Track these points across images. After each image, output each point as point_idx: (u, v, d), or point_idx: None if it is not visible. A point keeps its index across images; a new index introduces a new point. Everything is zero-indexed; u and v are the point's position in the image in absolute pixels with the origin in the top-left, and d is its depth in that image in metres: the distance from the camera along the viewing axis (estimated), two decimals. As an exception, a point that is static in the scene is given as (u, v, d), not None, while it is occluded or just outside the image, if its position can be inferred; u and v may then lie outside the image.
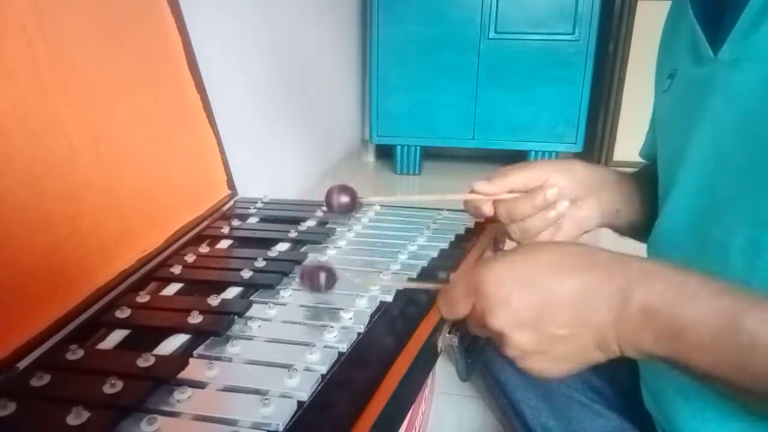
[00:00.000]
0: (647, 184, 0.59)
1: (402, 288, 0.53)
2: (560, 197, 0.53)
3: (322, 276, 0.48)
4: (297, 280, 0.52)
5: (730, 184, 0.42)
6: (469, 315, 0.40)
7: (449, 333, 0.50)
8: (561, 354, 0.38)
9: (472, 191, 0.54)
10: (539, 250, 0.39)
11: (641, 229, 0.58)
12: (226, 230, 0.68)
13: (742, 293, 0.33)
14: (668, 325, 0.34)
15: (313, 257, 0.60)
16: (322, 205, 0.76)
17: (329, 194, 0.55)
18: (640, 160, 0.67)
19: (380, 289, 0.52)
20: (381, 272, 0.55)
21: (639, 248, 0.56)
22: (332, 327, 0.45)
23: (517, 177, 0.53)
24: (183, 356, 0.44)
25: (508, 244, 0.58)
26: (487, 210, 0.54)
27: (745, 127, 0.40)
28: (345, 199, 0.54)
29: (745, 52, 0.40)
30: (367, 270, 0.56)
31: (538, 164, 0.54)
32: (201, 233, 0.69)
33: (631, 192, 0.58)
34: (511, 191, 0.53)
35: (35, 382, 0.40)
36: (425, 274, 0.56)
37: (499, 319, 0.37)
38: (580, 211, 0.55)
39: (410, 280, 0.55)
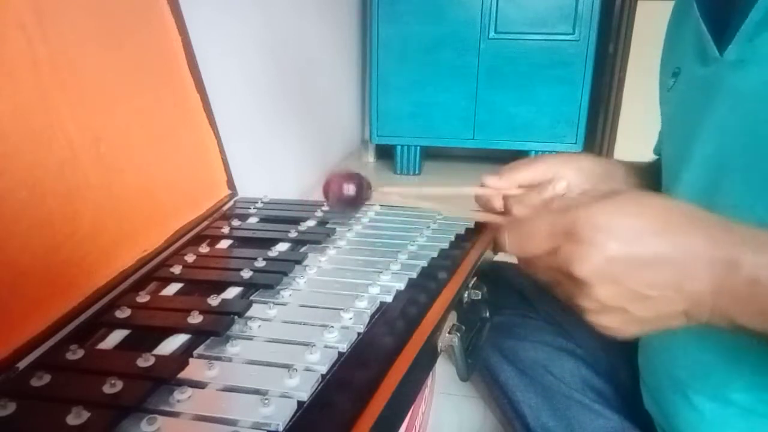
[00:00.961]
0: (655, 177, 0.59)
1: (389, 300, 0.50)
2: (569, 190, 0.53)
3: (351, 188, 0.43)
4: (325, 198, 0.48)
5: (734, 184, 0.42)
6: (544, 255, 0.37)
7: (449, 333, 0.50)
8: (641, 315, 0.35)
9: (482, 185, 0.54)
10: (645, 202, 0.36)
11: None
12: (226, 230, 0.68)
13: None
14: None
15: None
16: (323, 205, 0.76)
17: (329, 186, 0.49)
18: (640, 160, 0.67)
19: (380, 289, 0.52)
20: (371, 283, 0.53)
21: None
22: (332, 327, 0.45)
23: (527, 172, 0.53)
24: (183, 356, 0.43)
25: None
26: (498, 204, 0.54)
27: (750, 128, 0.40)
28: (350, 191, 0.48)
29: (751, 54, 0.40)
30: (367, 270, 0.56)
31: (546, 158, 0.55)
32: (201, 233, 0.69)
33: (638, 185, 0.58)
34: (520, 186, 0.54)
35: (35, 382, 0.40)
36: (425, 275, 0.56)
37: (589, 266, 0.34)
38: None
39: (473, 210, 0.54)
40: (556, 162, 0.54)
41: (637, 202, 0.36)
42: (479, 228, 0.67)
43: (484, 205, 0.56)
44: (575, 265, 0.35)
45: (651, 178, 0.60)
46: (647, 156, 0.66)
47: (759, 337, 0.34)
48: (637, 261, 0.34)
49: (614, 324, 0.37)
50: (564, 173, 0.53)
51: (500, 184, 0.53)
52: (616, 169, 0.58)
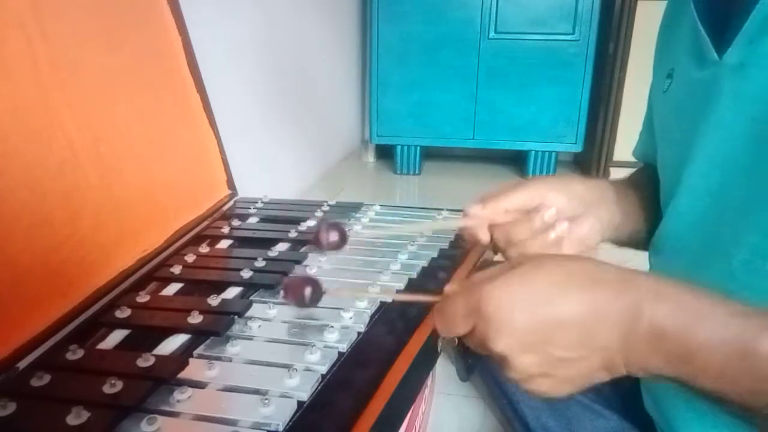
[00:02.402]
0: (645, 190, 0.59)
1: (390, 301, 0.50)
2: (559, 217, 0.50)
3: (308, 290, 0.44)
4: (281, 294, 0.48)
5: (738, 188, 0.42)
6: (469, 335, 0.38)
7: (449, 333, 0.50)
8: (566, 376, 0.36)
9: (465, 215, 0.51)
10: (543, 266, 0.37)
11: (641, 239, 0.57)
12: (226, 230, 0.68)
13: (755, 316, 0.32)
14: (678, 347, 0.33)
15: (300, 269, 0.58)
16: (322, 205, 0.76)
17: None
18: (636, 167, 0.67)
19: (380, 289, 0.52)
20: (371, 283, 0.53)
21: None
22: (332, 327, 0.45)
23: (513, 198, 0.50)
24: (183, 356, 0.44)
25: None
26: (483, 236, 0.51)
27: (754, 131, 0.40)
28: (334, 237, 0.48)
29: (752, 57, 0.40)
30: (367, 270, 0.56)
31: (533, 183, 0.51)
32: (201, 233, 0.69)
33: (630, 203, 0.57)
34: (506, 211, 0.50)
35: (35, 382, 0.40)
36: (425, 275, 0.56)
37: (501, 342, 0.35)
38: (580, 229, 0.51)
39: (399, 292, 0.53)
40: (544, 187, 0.50)
41: (536, 267, 0.37)
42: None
43: (469, 237, 0.53)
44: (489, 343, 0.36)
45: (642, 189, 0.59)
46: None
47: (675, 382, 0.34)
48: (545, 326, 0.35)
49: (544, 388, 0.37)
50: (553, 198, 0.50)
51: (485, 213, 0.50)
52: (607, 190, 0.55)
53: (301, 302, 0.44)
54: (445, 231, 0.67)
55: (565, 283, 0.35)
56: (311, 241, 0.52)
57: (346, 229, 0.49)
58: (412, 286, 0.54)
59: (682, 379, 0.34)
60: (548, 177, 0.52)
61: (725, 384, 0.32)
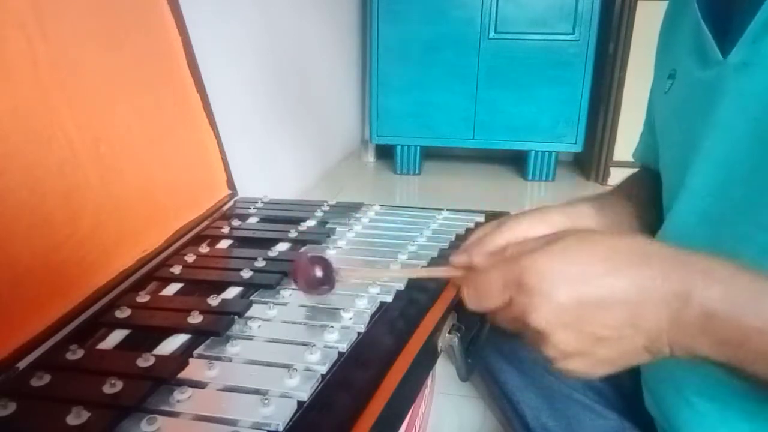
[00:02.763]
0: (638, 198, 0.58)
1: (415, 277, 0.49)
2: None
3: (318, 271, 0.43)
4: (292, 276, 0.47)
5: (742, 189, 0.42)
6: (503, 309, 0.37)
7: (449, 333, 0.50)
8: (604, 356, 0.35)
9: (451, 266, 0.48)
10: (591, 241, 0.35)
11: None
12: (226, 230, 0.68)
13: None
14: (731, 331, 0.32)
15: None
16: (323, 205, 0.76)
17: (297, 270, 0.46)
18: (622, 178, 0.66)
19: (380, 289, 0.52)
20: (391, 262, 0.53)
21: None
22: (332, 327, 0.45)
23: (495, 240, 0.48)
24: (183, 356, 0.43)
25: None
26: (477, 261, 0.48)
27: (757, 131, 0.40)
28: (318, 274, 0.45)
29: (756, 57, 0.40)
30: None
31: (511, 222, 0.49)
32: (201, 233, 0.69)
33: (613, 220, 0.55)
34: (492, 254, 0.50)
35: (35, 382, 0.40)
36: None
37: (541, 315, 0.34)
38: None
39: (423, 268, 0.51)
40: (522, 224, 0.49)
41: (581, 244, 0.35)
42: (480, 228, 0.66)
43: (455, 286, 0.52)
44: (529, 317, 0.35)
45: (639, 197, 0.58)
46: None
47: (723, 367, 0.34)
48: (589, 304, 0.34)
49: (581, 368, 0.36)
50: (534, 233, 0.48)
51: (471, 261, 0.46)
52: (586, 216, 0.54)
53: (311, 285, 0.43)
54: (445, 231, 0.67)
55: (612, 260, 0.34)
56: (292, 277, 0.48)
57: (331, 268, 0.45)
58: (412, 287, 0.54)
59: (732, 364, 0.33)
60: (524, 213, 0.51)
61: None
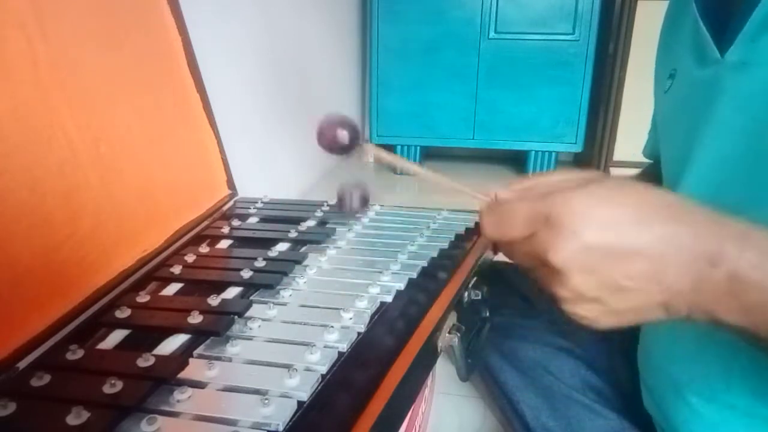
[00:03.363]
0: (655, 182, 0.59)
1: (438, 183, 0.47)
2: None
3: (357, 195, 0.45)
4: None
5: (738, 187, 0.42)
6: (522, 240, 0.36)
7: (449, 333, 0.50)
8: (619, 307, 0.34)
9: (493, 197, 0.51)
10: (627, 189, 0.34)
11: None
12: (226, 230, 0.68)
13: None
14: (758, 298, 0.31)
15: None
16: (323, 205, 0.76)
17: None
18: (640, 159, 0.67)
19: (380, 289, 0.52)
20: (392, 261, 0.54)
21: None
22: (332, 327, 0.45)
23: (539, 182, 0.50)
24: (183, 356, 0.43)
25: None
26: (501, 195, 0.50)
27: (754, 130, 0.40)
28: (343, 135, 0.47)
29: (753, 55, 0.40)
30: (367, 270, 0.56)
31: (559, 173, 0.51)
32: (201, 233, 0.69)
33: None
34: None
35: (35, 382, 0.40)
36: (425, 275, 0.56)
37: (564, 254, 0.33)
38: None
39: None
40: (556, 175, 0.51)
41: (619, 190, 0.35)
42: (480, 228, 0.67)
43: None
44: (551, 253, 0.34)
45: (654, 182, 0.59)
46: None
47: (739, 334, 0.33)
48: (615, 251, 0.33)
49: (590, 314, 0.35)
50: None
51: (512, 195, 0.50)
52: None
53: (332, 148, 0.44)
54: (445, 231, 0.67)
55: (647, 212, 0.33)
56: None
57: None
58: (412, 286, 0.54)
59: (754, 332, 0.32)
60: (574, 170, 0.51)
61: None
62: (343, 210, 0.48)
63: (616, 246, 0.33)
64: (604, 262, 0.33)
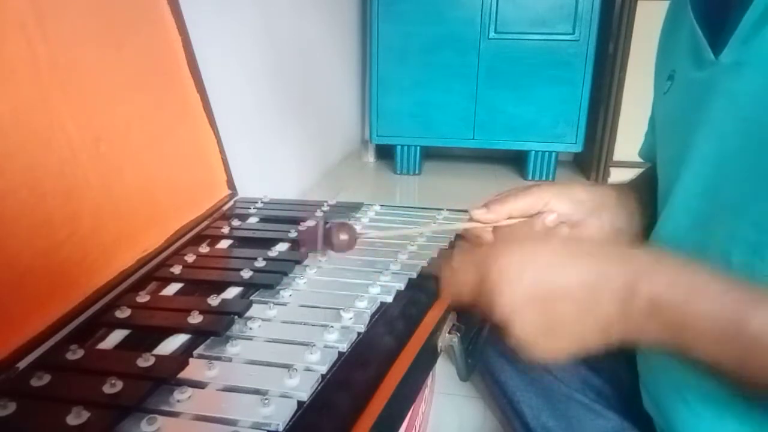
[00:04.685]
0: (647, 193, 0.59)
1: (411, 279, 0.52)
2: (560, 222, 0.52)
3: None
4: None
5: (733, 188, 0.42)
6: (476, 298, 0.40)
7: (449, 333, 0.50)
8: (564, 337, 0.38)
9: (470, 219, 0.54)
10: (548, 242, 0.40)
11: (643, 241, 0.58)
12: (226, 230, 0.68)
13: (749, 291, 0.34)
14: (674, 318, 0.34)
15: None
16: (323, 205, 0.76)
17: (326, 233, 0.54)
18: (640, 160, 0.67)
19: (380, 289, 0.52)
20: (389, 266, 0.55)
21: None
22: (332, 327, 0.45)
23: (516, 203, 0.52)
24: (183, 356, 0.43)
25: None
26: (488, 237, 0.54)
27: (747, 131, 0.40)
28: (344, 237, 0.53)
29: (746, 57, 0.40)
30: (367, 270, 0.56)
31: (536, 189, 0.54)
32: (201, 233, 0.69)
33: (632, 207, 0.58)
34: (510, 217, 0.52)
35: (35, 382, 0.40)
36: (425, 275, 0.56)
37: (507, 296, 0.37)
38: (582, 234, 0.54)
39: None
40: (547, 193, 0.53)
41: (542, 243, 0.39)
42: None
43: (472, 239, 0.56)
44: (493, 308, 0.38)
45: (644, 193, 0.59)
46: (647, 156, 0.66)
47: (669, 351, 0.36)
48: (548, 288, 0.37)
49: (544, 349, 0.39)
50: (555, 205, 0.53)
51: (489, 217, 0.52)
52: (609, 196, 0.57)
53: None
54: (446, 231, 0.67)
55: (570, 254, 0.38)
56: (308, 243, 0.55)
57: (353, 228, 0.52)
58: (412, 286, 0.54)
59: (675, 348, 0.36)
60: (552, 183, 0.54)
61: (717, 355, 0.34)
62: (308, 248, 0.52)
63: (547, 284, 0.37)
64: (540, 299, 0.37)
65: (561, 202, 0.53)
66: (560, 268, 0.37)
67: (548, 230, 0.52)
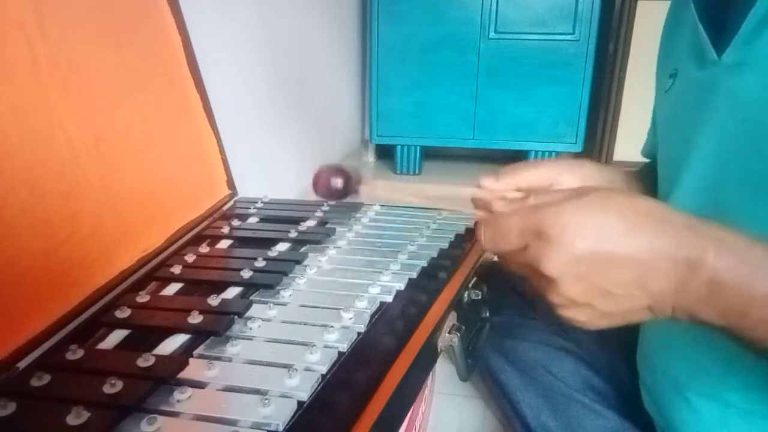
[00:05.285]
0: (651, 183, 0.59)
1: (398, 291, 0.51)
2: None
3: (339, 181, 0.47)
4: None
5: (734, 187, 0.42)
6: (516, 252, 0.38)
7: (449, 333, 0.50)
8: (608, 311, 0.37)
9: (480, 187, 0.53)
10: (612, 200, 0.37)
11: None
12: (226, 230, 0.68)
13: None
14: (736, 299, 0.33)
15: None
16: (323, 205, 0.76)
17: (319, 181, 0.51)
18: (640, 159, 0.67)
19: (380, 289, 0.52)
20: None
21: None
22: (332, 327, 0.45)
23: (526, 174, 0.52)
24: (183, 356, 0.43)
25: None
26: (496, 207, 0.53)
27: (749, 131, 0.40)
28: (338, 183, 0.51)
29: (748, 57, 0.40)
30: (367, 270, 0.56)
31: (547, 163, 0.53)
32: (201, 233, 0.69)
33: (639, 192, 0.58)
34: (519, 189, 0.52)
35: (35, 382, 0.40)
36: (425, 275, 0.56)
37: (556, 264, 0.35)
38: None
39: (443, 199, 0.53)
40: (557, 167, 0.52)
41: (604, 202, 0.37)
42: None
43: (481, 207, 0.55)
44: (543, 264, 0.36)
45: (648, 182, 0.60)
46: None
47: (721, 333, 0.35)
48: (603, 260, 0.35)
49: (582, 318, 0.38)
50: (564, 179, 0.52)
51: (498, 186, 0.51)
52: (617, 176, 0.57)
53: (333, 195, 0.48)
54: (445, 231, 0.67)
55: (631, 221, 0.35)
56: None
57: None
58: (412, 286, 0.54)
59: (733, 331, 0.34)
60: (562, 159, 0.54)
61: None
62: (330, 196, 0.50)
63: (604, 255, 0.35)
64: (593, 270, 0.35)
65: (570, 177, 0.52)
66: (619, 238, 0.35)
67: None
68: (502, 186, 0.52)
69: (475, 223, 0.43)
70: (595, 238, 0.35)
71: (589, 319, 0.38)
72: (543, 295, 0.38)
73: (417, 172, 2.04)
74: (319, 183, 0.50)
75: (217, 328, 0.46)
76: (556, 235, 0.35)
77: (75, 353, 0.43)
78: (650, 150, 0.65)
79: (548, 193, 0.41)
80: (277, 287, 0.54)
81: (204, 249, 0.63)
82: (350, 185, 0.51)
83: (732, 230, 0.35)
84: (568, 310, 0.38)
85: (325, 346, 0.43)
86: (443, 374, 0.83)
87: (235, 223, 0.71)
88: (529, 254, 0.37)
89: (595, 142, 1.94)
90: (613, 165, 0.61)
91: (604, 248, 0.35)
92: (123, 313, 0.49)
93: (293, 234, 0.67)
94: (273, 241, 0.65)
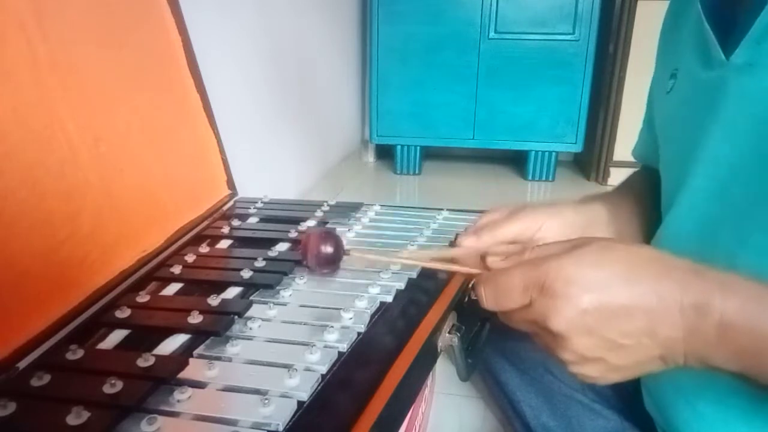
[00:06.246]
0: (642, 198, 0.58)
1: (421, 267, 0.52)
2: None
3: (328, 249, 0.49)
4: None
5: (744, 190, 0.42)
6: (520, 309, 0.38)
7: (449, 333, 0.50)
8: (620, 363, 0.36)
9: (458, 244, 0.51)
10: (613, 250, 0.36)
11: None
12: (226, 230, 0.68)
13: None
14: (747, 342, 0.32)
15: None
16: (323, 205, 0.76)
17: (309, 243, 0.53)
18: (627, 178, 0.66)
19: (380, 289, 0.52)
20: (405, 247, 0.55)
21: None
22: (332, 327, 0.45)
23: (507, 228, 0.51)
24: (183, 356, 0.43)
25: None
26: (491, 262, 0.50)
27: (760, 132, 0.40)
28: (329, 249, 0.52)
29: (760, 57, 0.40)
30: (367, 270, 0.56)
31: (526, 213, 0.52)
32: (201, 233, 0.69)
33: (623, 219, 0.57)
34: (501, 243, 0.50)
35: (35, 382, 0.40)
36: (425, 275, 0.56)
37: (563, 319, 0.35)
38: None
39: (434, 260, 0.52)
40: (536, 216, 0.51)
41: (605, 252, 0.36)
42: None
43: (472, 264, 0.53)
44: (550, 320, 0.35)
45: (642, 197, 0.59)
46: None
47: (738, 378, 0.34)
48: (610, 311, 0.34)
49: (594, 373, 0.37)
50: (548, 229, 0.51)
51: (479, 245, 0.50)
52: (600, 215, 0.56)
53: (319, 262, 0.50)
54: (445, 231, 0.67)
55: (634, 270, 0.35)
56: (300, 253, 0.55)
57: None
58: (412, 286, 0.54)
59: (746, 374, 0.34)
60: (539, 205, 0.53)
61: None
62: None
63: (610, 306, 0.34)
64: (601, 322, 0.34)
65: (552, 224, 0.51)
66: (625, 288, 0.34)
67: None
68: (483, 245, 0.50)
69: (472, 283, 0.41)
70: (601, 290, 0.34)
71: (601, 374, 0.37)
72: (553, 353, 0.38)
73: (417, 172, 2.05)
74: (307, 250, 0.52)
75: (217, 328, 0.46)
76: (561, 289, 0.35)
77: (75, 353, 0.43)
78: (642, 152, 0.64)
79: (544, 246, 0.40)
80: (277, 287, 0.54)
81: (204, 249, 0.63)
82: (339, 251, 0.53)
83: (736, 273, 0.34)
84: (580, 366, 0.37)
85: (325, 346, 0.43)
86: (443, 374, 0.82)
87: (235, 223, 0.71)
88: (535, 310, 0.36)
89: (595, 142, 1.94)
90: (592, 199, 0.59)
91: (611, 299, 0.34)
92: (123, 313, 0.49)
93: (293, 234, 0.67)
94: (273, 241, 0.65)
